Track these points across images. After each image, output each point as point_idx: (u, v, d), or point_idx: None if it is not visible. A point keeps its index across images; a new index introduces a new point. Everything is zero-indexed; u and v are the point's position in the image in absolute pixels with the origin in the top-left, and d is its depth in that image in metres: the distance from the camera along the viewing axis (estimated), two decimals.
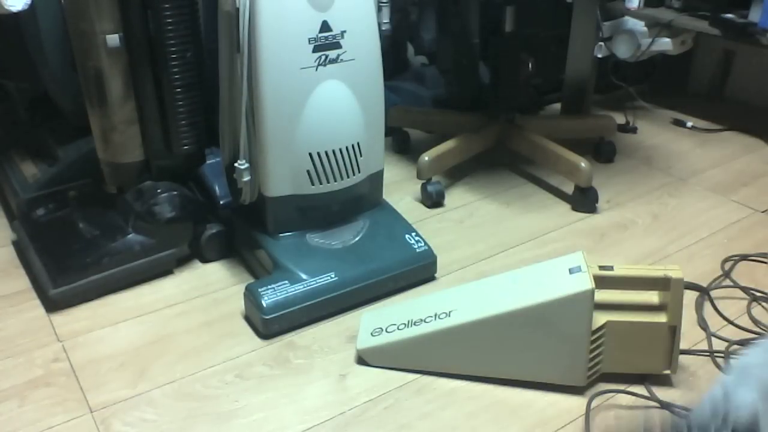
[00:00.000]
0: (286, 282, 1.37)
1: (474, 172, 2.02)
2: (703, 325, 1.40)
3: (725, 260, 1.60)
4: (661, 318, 1.21)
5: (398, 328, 1.29)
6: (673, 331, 1.21)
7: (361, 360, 1.31)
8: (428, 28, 2.27)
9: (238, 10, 1.27)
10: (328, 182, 1.44)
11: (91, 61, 1.40)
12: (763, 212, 1.84)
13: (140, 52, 1.41)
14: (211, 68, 1.42)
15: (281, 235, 1.48)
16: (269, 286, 1.36)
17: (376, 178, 1.56)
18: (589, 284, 1.15)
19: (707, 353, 1.32)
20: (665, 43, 2.14)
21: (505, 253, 1.66)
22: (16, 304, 1.46)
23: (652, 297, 1.23)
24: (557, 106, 2.43)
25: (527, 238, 1.71)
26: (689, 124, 2.35)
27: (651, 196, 1.91)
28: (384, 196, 1.62)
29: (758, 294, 1.49)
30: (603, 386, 1.24)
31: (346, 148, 1.44)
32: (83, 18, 1.37)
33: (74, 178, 1.68)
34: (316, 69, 1.34)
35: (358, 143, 1.45)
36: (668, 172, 2.05)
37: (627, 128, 2.30)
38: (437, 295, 1.36)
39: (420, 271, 1.52)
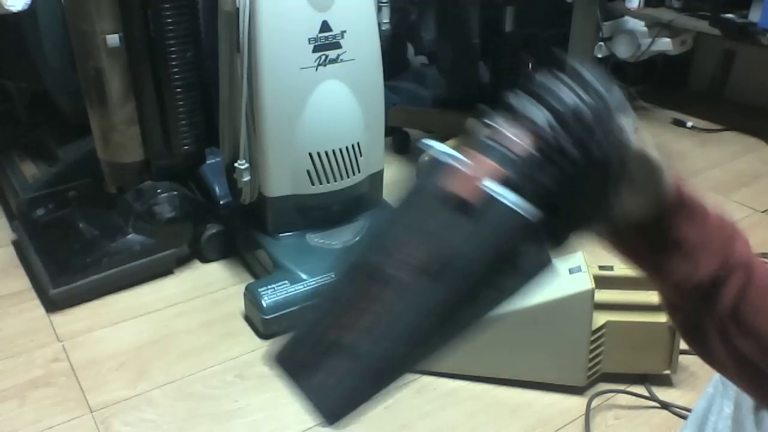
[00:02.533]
0: (286, 282, 1.37)
1: None
2: None
3: None
4: (661, 318, 1.21)
5: None
6: (673, 331, 1.21)
7: None
8: (428, 28, 2.27)
9: (238, 10, 1.27)
10: (328, 182, 1.44)
11: (91, 61, 1.40)
12: (763, 212, 1.83)
13: (140, 52, 1.41)
14: (211, 68, 1.42)
15: (281, 235, 1.48)
16: (269, 286, 1.36)
17: (376, 178, 1.56)
18: (589, 284, 1.15)
19: None
20: (665, 43, 2.14)
21: None
22: (16, 304, 1.46)
23: (652, 297, 1.23)
24: None
25: None
26: (689, 124, 2.34)
27: None
28: (384, 196, 1.62)
29: None
30: (603, 386, 1.24)
31: (346, 148, 1.44)
32: (83, 18, 1.37)
33: (74, 178, 1.68)
34: (316, 69, 1.34)
35: (358, 143, 1.45)
36: None
37: None
38: None
39: None
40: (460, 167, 0.42)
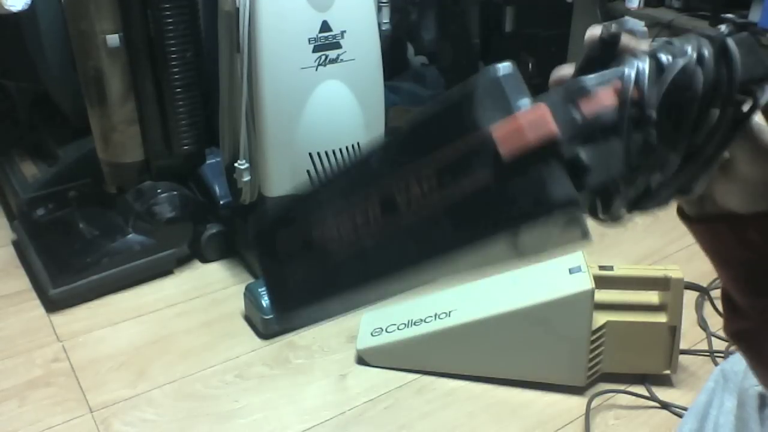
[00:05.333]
0: None
1: None
2: (703, 325, 1.40)
3: None
4: (661, 318, 1.21)
5: (398, 328, 1.29)
6: (673, 331, 1.21)
7: (361, 360, 1.31)
8: (428, 28, 2.27)
9: (238, 10, 1.27)
10: None
11: (91, 61, 1.40)
12: None
13: (140, 52, 1.41)
14: (211, 68, 1.42)
15: None
16: None
17: None
18: (589, 284, 1.15)
19: (707, 353, 1.32)
20: None
21: None
22: (16, 304, 1.46)
23: (652, 297, 1.23)
24: None
25: None
26: None
27: None
28: None
29: None
30: (603, 386, 1.24)
31: (346, 148, 1.44)
32: (83, 18, 1.37)
33: (74, 178, 1.68)
34: (316, 69, 1.34)
35: (358, 143, 1.45)
36: None
37: None
38: (437, 295, 1.36)
39: None
40: (515, 111, 0.35)
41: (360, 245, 0.40)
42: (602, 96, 0.35)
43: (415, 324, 1.28)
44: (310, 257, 0.43)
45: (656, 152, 0.35)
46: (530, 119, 0.33)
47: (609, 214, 0.38)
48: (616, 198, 0.37)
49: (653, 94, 0.35)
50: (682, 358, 1.25)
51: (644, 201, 0.38)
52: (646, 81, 0.35)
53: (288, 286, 0.44)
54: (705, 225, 0.46)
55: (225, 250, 1.60)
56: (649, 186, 0.38)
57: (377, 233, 0.39)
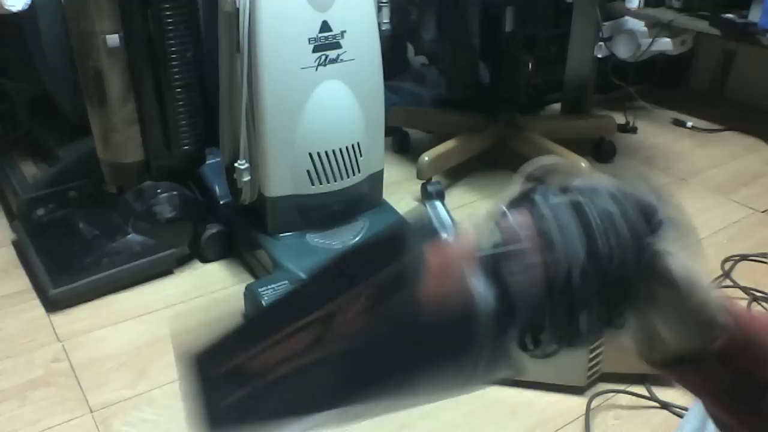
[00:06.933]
0: (286, 282, 1.37)
1: (474, 172, 2.02)
2: None
3: (725, 260, 1.60)
4: None
5: None
6: None
7: None
8: (428, 28, 2.27)
9: (238, 10, 1.27)
10: (328, 182, 1.44)
11: (91, 61, 1.40)
12: (763, 212, 1.83)
13: (140, 52, 1.41)
14: (211, 68, 1.42)
15: (281, 235, 1.48)
16: (269, 286, 1.36)
17: (376, 178, 1.56)
18: None
19: None
20: (665, 43, 2.13)
21: None
22: (16, 304, 1.46)
23: None
24: (557, 106, 2.43)
25: None
26: (689, 124, 2.34)
27: None
28: (384, 196, 1.62)
29: (758, 294, 1.49)
30: (603, 386, 1.24)
31: (346, 148, 1.44)
32: (83, 18, 1.37)
33: (74, 178, 1.68)
34: (316, 69, 1.34)
35: (358, 143, 1.45)
36: (668, 172, 2.05)
37: (627, 128, 2.30)
38: None
39: None
40: (442, 241, 0.39)
41: (293, 376, 0.42)
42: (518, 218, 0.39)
43: None
44: (248, 399, 0.44)
45: (578, 294, 0.37)
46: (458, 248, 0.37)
47: (539, 350, 0.41)
48: (544, 334, 0.39)
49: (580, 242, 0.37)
50: None
51: (574, 338, 0.40)
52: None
53: (221, 408, 0.46)
54: (669, 369, 0.47)
55: (225, 250, 1.60)
56: (577, 323, 0.39)
57: (312, 363, 0.41)
